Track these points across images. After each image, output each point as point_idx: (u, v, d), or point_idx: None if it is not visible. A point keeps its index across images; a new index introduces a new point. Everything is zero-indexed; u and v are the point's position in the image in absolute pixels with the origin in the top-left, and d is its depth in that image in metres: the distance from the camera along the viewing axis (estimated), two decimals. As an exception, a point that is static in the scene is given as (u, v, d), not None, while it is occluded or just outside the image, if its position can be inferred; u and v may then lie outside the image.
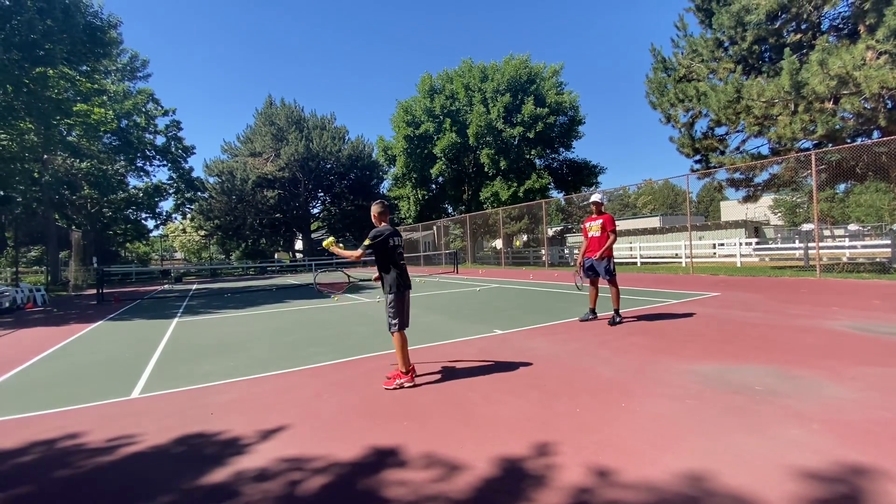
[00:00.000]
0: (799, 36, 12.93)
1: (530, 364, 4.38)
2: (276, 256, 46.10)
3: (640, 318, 6.60)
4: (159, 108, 32.18)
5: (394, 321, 3.94)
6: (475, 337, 5.84)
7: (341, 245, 4.09)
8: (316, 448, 2.77)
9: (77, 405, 3.87)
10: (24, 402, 4.06)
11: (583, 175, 28.56)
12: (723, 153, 15.08)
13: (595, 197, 6.54)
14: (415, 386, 3.90)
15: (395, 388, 3.82)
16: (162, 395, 4.06)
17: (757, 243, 19.54)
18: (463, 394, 3.62)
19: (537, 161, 28.02)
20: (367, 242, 3.95)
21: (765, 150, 14.35)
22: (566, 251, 26.75)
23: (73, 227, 29.30)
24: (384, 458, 2.60)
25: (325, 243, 4.09)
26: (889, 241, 13.32)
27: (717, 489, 2.06)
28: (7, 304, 13.42)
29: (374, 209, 4.14)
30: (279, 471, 2.51)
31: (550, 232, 28.35)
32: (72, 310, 12.66)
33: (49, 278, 24.33)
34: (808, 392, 3.23)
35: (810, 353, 4.25)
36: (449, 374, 4.20)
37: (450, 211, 32.94)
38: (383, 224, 4.10)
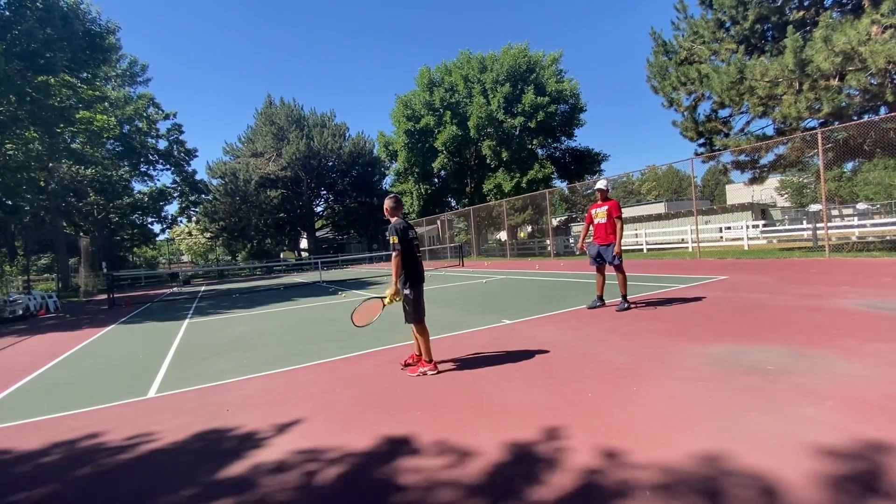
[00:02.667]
0: (802, 13, 12.72)
1: (540, 352, 4.39)
2: (281, 256, 46.36)
3: (648, 303, 6.59)
4: (160, 112, 32.34)
5: (413, 313, 4.03)
6: (484, 327, 5.86)
7: (391, 291, 4.00)
8: (331, 440, 2.80)
9: (95, 406, 3.94)
10: (43, 405, 4.14)
11: (586, 163, 28.39)
12: (727, 135, 14.92)
13: (600, 184, 6.49)
14: (438, 372, 4.01)
15: (418, 376, 3.96)
16: (177, 393, 4.12)
17: (764, 225, 19.36)
18: (474, 382, 3.64)
19: (539, 151, 27.86)
20: (395, 240, 3.92)
21: (770, 131, 14.20)
22: (571, 241, 26.64)
23: (81, 234, 29.61)
24: (398, 447, 2.63)
25: (387, 302, 4.05)
26: (899, 219, 13.16)
27: (734, 469, 2.07)
28: (20, 312, 13.61)
29: (388, 203, 4.17)
30: (295, 463, 2.55)
31: (555, 222, 28.24)
32: (84, 315, 12.83)
33: (60, 285, 24.65)
34: (822, 370, 3.22)
35: (822, 331, 4.23)
36: (460, 364, 4.23)
37: (453, 204, 32.89)
38: (396, 218, 4.10)
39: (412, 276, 4.04)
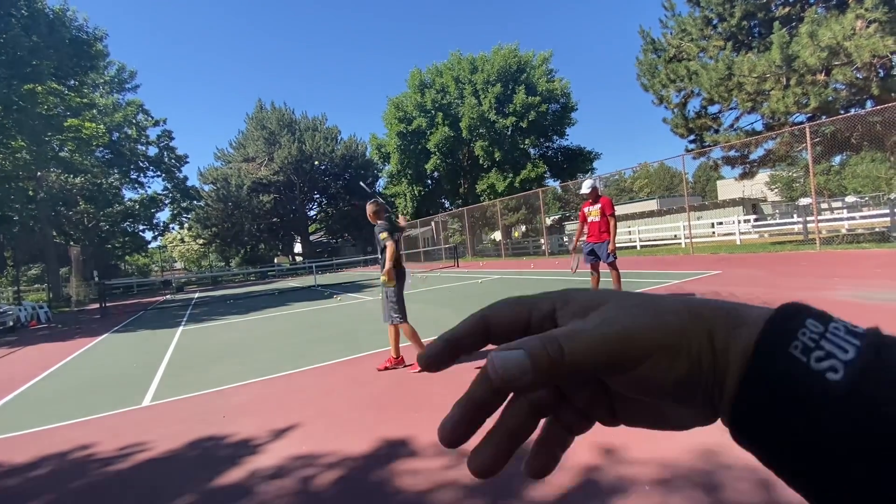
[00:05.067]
0: (788, 9, 12.86)
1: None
2: (275, 261, 46.10)
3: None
4: (150, 118, 32.03)
5: (396, 315, 4.13)
6: (480, 328, 5.85)
7: (386, 269, 4.16)
8: (329, 444, 2.79)
9: (88, 417, 3.89)
10: (35, 417, 4.08)
11: (578, 162, 28.49)
12: (717, 131, 15.04)
13: (585, 187, 6.49)
14: (388, 369, 4.23)
15: (386, 369, 4.22)
16: (173, 401, 4.08)
17: (755, 220, 19.54)
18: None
19: (531, 150, 27.93)
20: (384, 236, 4.14)
21: (759, 126, 14.31)
22: (565, 239, 26.72)
23: (72, 243, 29.27)
24: (396, 449, 2.62)
25: (384, 280, 4.16)
26: (888, 211, 13.32)
27: (731, 462, 2.08)
28: (11, 323, 13.43)
29: (370, 209, 4.34)
30: (293, 468, 2.53)
31: (549, 221, 28.34)
32: (76, 325, 12.68)
33: (51, 295, 24.35)
34: (815, 361, 3.24)
35: (814, 323, 4.26)
36: (458, 364, 4.21)
37: (447, 205, 32.88)
38: (380, 221, 4.26)
39: (399, 274, 4.19)
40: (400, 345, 4.38)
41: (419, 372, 4.01)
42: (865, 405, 0.18)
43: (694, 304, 0.24)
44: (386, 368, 4.27)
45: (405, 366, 4.32)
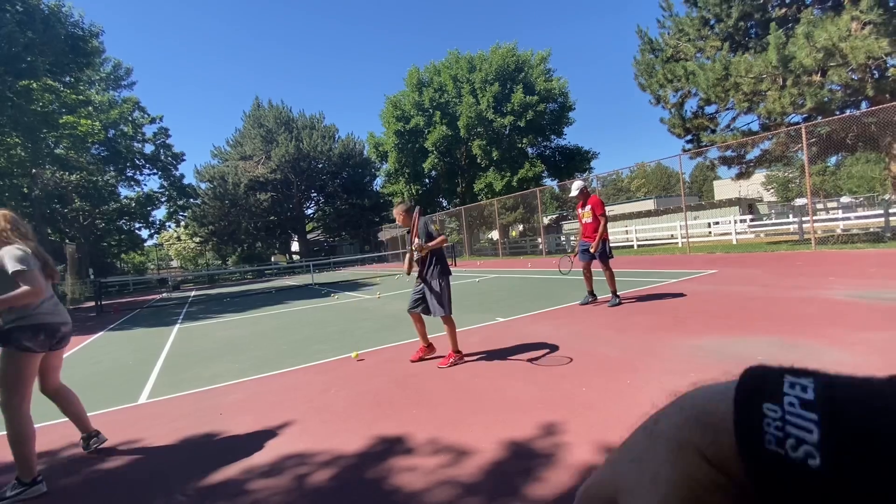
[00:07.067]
0: (784, 10, 12.90)
1: (534, 348, 4.40)
2: (272, 259, 45.99)
3: (639, 298, 6.64)
4: (146, 115, 31.84)
5: (450, 305, 4.21)
6: (478, 326, 5.86)
7: (427, 245, 4.15)
8: (325, 441, 2.78)
9: (83, 414, 3.87)
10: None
11: (576, 161, 28.52)
12: (714, 131, 15.08)
13: (575, 189, 6.57)
14: (454, 365, 4.17)
15: (451, 366, 4.12)
16: (169, 399, 4.06)
17: (751, 220, 19.60)
18: (469, 380, 3.64)
19: (529, 150, 27.96)
20: (437, 227, 4.29)
21: (755, 127, 14.37)
22: (563, 239, 26.77)
23: (67, 241, 29.08)
24: (393, 446, 2.62)
25: (420, 249, 4.11)
26: (882, 211, 13.40)
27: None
28: (5, 321, 13.33)
29: (401, 209, 4.35)
30: (288, 465, 2.53)
31: (546, 220, 28.37)
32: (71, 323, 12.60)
33: (46, 293, 24.17)
34: (811, 359, 3.26)
35: (810, 322, 4.29)
36: (456, 364, 4.22)
37: (444, 204, 32.87)
38: (429, 224, 4.37)
39: (447, 269, 4.25)
40: (427, 335, 4.48)
41: (450, 366, 4.10)
42: (848, 486, 0.19)
43: (669, 432, 0.25)
44: (451, 363, 4.17)
45: (460, 357, 4.25)
